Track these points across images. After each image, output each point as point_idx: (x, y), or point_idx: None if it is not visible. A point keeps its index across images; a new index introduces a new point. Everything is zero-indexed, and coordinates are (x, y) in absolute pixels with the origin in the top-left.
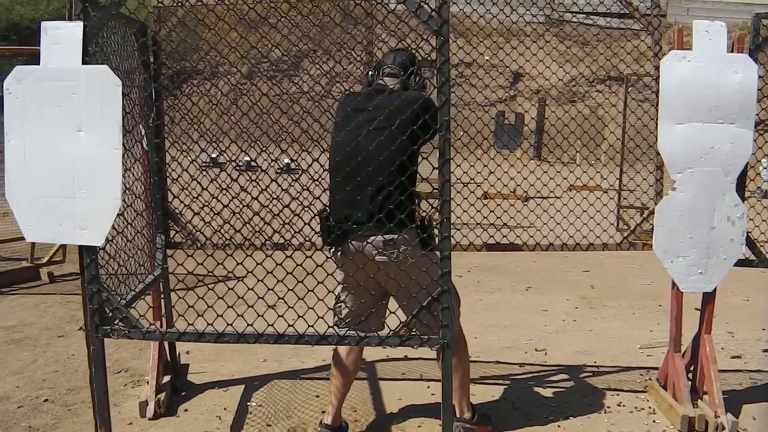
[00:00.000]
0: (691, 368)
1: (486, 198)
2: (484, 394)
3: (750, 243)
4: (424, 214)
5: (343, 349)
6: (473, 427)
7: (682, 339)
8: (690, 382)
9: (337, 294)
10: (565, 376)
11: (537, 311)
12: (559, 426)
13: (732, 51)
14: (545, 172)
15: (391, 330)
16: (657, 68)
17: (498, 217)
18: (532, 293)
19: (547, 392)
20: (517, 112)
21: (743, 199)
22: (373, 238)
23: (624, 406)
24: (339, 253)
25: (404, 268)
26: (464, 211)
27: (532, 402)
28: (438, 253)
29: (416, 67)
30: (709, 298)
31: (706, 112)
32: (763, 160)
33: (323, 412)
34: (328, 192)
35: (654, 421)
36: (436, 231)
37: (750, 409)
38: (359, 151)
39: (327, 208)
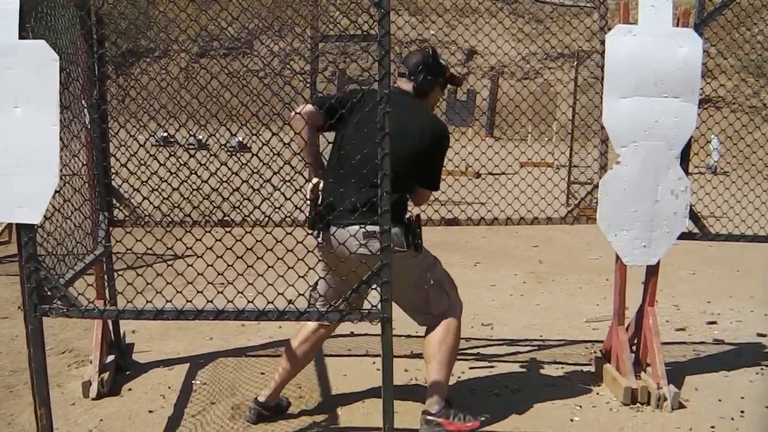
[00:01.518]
0: (635, 341)
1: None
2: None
3: (693, 216)
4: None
5: (300, 336)
6: (439, 419)
7: (627, 312)
8: (633, 355)
9: (315, 282)
10: (511, 350)
11: (485, 286)
12: (503, 399)
13: (678, 25)
14: (490, 146)
15: (330, 305)
16: (603, 43)
17: (443, 192)
18: (480, 269)
19: (493, 366)
20: (469, 89)
21: (687, 172)
22: (355, 228)
23: (569, 379)
24: (319, 239)
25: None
26: None
27: (476, 376)
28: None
29: (428, 67)
30: (652, 271)
31: (651, 86)
32: (713, 136)
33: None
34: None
35: (597, 393)
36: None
37: (692, 380)
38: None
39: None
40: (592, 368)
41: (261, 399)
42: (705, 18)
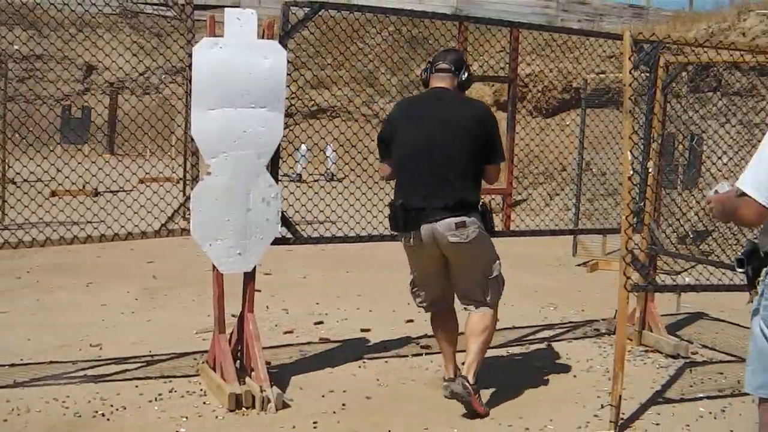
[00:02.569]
0: (239, 347)
1: (54, 196)
2: (30, 396)
3: (286, 222)
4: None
5: (437, 318)
6: (472, 390)
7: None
8: (239, 361)
9: (411, 278)
10: (119, 369)
11: (96, 307)
12: (108, 420)
13: (263, 37)
14: (107, 161)
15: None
16: (190, 55)
17: (61, 211)
18: (93, 289)
19: (99, 387)
20: (84, 105)
21: (277, 180)
22: (447, 221)
23: (176, 391)
24: (411, 239)
25: (472, 246)
26: (28, 210)
27: (81, 399)
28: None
29: (466, 66)
30: (249, 278)
31: (238, 97)
32: (303, 146)
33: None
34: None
35: (204, 403)
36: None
37: (298, 380)
38: (436, 147)
39: (398, 199)
40: (199, 379)
41: (450, 374)
42: (289, 30)
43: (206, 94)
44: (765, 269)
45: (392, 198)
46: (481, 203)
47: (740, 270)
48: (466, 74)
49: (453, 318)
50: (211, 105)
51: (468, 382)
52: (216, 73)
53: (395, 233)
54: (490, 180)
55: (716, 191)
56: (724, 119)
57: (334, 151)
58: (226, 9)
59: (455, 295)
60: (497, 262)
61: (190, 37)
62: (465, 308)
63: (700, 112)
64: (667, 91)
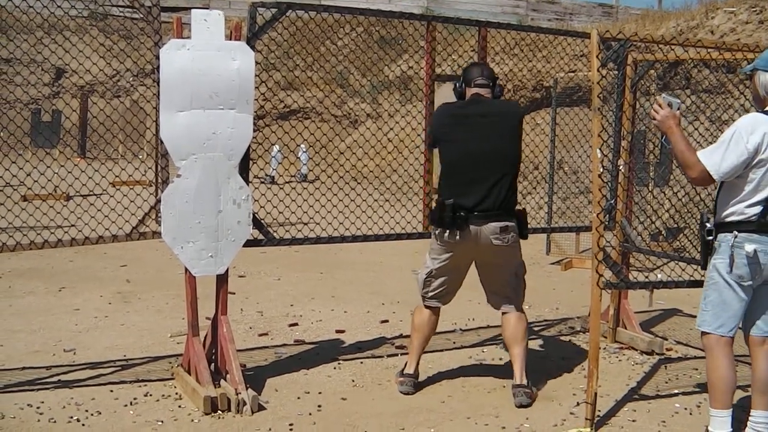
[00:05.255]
0: (214, 350)
1: (25, 200)
2: (4, 402)
3: (257, 224)
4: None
5: (426, 312)
6: (533, 392)
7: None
8: (213, 364)
9: (429, 269)
10: (94, 374)
11: (69, 311)
12: (83, 425)
13: (231, 39)
14: (83, 171)
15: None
16: (157, 57)
17: (31, 215)
18: (65, 293)
19: (73, 392)
20: (54, 109)
21: (247, 182)
22: (493, 225)
23: (151, 395)
24: (456, 237)
25: (510, 249)
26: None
27: (56, 405)
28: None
29: (497, 79)
30: (222, 280)
31: (207, 98)
32: (276, 147)
33: None
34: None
35: (179, 406)
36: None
37: (273, 382)
38: (486, 147)
39: (448, 198)
40: (174, 382)
41: (410, 371)
42: (257, 31)
43: (174, 96)
44: (719, 234)
45: (440, 195)
46: (518, 209)
47: (709, 237)
48: (499, 87)
49: (436, 320)
50: (180, 107)
51: (528, 388)
52: (184, 75)
53: (437, 229)
54: None
55: (670, 103)
56: (693, 117)
57: (304, 152)
58: (192, 10)
59: (487, 297)
60: (524, 265)
61: (157, 39)
62: (502, 311)
63: None
64: (636, 89)
